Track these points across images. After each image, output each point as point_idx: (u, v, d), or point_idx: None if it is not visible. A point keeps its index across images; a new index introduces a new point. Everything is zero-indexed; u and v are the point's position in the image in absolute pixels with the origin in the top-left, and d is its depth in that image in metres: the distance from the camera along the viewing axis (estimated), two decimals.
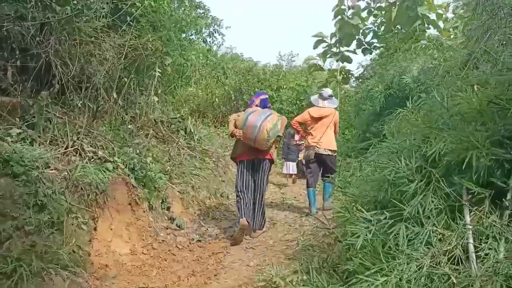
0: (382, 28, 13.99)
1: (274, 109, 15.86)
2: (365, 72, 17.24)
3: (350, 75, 14.35)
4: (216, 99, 15.21)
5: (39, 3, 5.69)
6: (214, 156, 7.34)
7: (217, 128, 18.01)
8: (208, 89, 16.35)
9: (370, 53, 14.50)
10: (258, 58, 18.76)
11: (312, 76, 17.43)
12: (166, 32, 8.20)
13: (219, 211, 5.63)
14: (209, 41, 13.35)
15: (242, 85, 16.96)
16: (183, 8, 10.10)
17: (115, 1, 7.21)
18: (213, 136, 10.17)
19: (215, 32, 14.00)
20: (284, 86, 16.41)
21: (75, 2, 6.20)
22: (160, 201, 4.84)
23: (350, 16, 12.26)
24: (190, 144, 7.37)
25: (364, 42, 14.10)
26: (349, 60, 13.00)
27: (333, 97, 6.17)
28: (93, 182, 4.05)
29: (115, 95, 7.03)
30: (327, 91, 6.17)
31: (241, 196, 4.73)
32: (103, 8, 6.89)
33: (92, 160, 4.59)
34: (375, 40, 14.22)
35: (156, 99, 7.97)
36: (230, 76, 15.38)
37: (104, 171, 4.42)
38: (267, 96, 5.38)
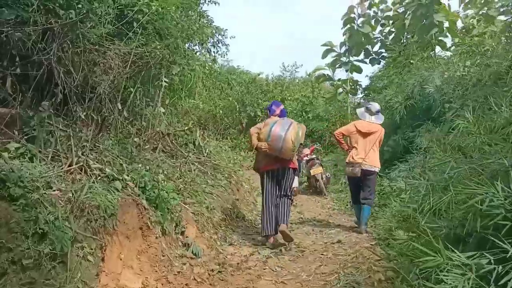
0: (391, 37, 13.65)
1: None
2: (372, 83, 16.90)
3: (358, 86, 13.93)
4: (220, 111, 14.72)
5: (42, 7, 5.23)
6: (226, 171, 6.83)
7: (219, 141, 17.53)
8: (211, 101, 15.90)
9: (378, 63, 14.13)
10: (255, 71, 18.38)
11: (318, 87, 17.06)
12: (174, 40, 7.73)
13: (237, 234, 5.10)
14: (213, 51, 12.90)
15: (245, 96, 16.53)
16: (189, 16, 9.67)
17: (121, 6, 6.77)
18: (225, 151, 9.62)
19: (219, 42, 13.57)
20: (289, 98, 16.00)
21: (80, 6, 5.75)
22: (174, 224, 4.31)
23: (360, 25, 11.87)
24: (199, 158, 6.86)
25: (372, 52, 13.73)
26: (359, 70, 12.60)
27: (380, 113, 5.78)
28: (102, 204, 3.53)
29: (119, 106, 6.55)
30: (375, 105, 5.81)
31: (267, 209, 4.88)
32: (109, 14, 6.45)
33: (99, 178, 4.07)
34: (383, 50, 13.87)
35: (162, 110, 7.48)
36: (234, 87, 14.94)
37: (113, 191, 3.90)
38: (282, 106, 5.47)
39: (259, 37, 48.89)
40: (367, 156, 5.53)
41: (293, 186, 8.65)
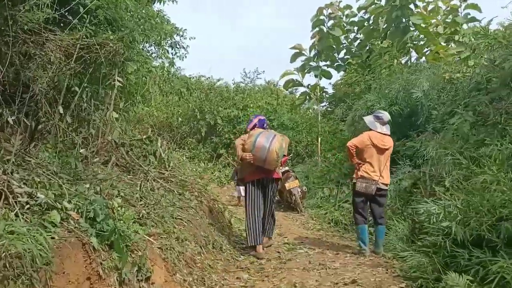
0: (356, 43, 13.10)
1: (241, 130, 14.43)
2: (334, 91, 16.32)
3: (324, 93, 13.22)
4: (179, 119, 13.47)
5: None
6: (195, 188, 5.68)
7: (176, 151, 16.20)
8: (168, 107, 14.63)
9: (344, 70, 13.51)
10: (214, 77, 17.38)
11: (283, 94, 16.25)
12: (129, 32, 6.53)
13: (217, 273, 3.98)
14: (172, 53, 11.67)
15: (204, 104, 15.38)
16: (145, 10, 8.48)
17: None
18: (183, 162, 8.45)
19: (177, 45, 12.36)
20: (251, 105, 15.03)
21: None
22: (136, 268, 3.13)
23: (331, 27, 11.16)
24: (163, 174, 5.67)
25: (338, 58, 13.10)
26: (329, 75, 11.88)
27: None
28: (27, 251, 2.33)
29: (61, 110, 5.32)
30: (386, 115, 5.08)
31: (251, 218, 4.95)
32: None
33: (26, 208, 2.85)
34: (349, 56, 13.28)
35: (115, 115, 6.24)
36: (194, 92, 13.75)
37: (47, 228, 2.71)
38: (264, 117, 5.58)
39: (211, 46, 47.61)
40: (382, 173, 4.84)
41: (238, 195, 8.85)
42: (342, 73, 14.78)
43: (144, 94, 12.43)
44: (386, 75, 8.54)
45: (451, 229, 3.35)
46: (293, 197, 8.15)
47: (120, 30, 6.45)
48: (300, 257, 4.59)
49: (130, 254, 3.18)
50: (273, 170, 5.02)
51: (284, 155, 5.19)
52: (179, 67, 15.29)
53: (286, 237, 5.91)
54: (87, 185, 3.72)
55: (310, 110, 15.44)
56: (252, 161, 4.89)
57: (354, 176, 4.90)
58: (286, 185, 8.04)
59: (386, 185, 4.84)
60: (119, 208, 3.39)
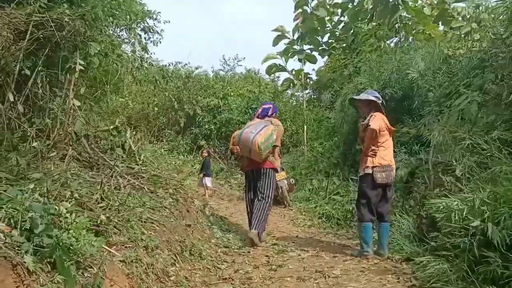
0: (341, 26, 12.48)
1: (222, 120, 13.70)
2: (317, 76, 15.72)
3: (308, 79, 12.59)
4: (155, 109, 12.65)
5: None
6: (170, 185, 4.98)
7: (154, 144, 15.36)
8: (144, 97, 13.77)
9: (329, 55, 12.90)
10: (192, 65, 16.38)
11: (265, 82, 15.55)
12: (91, 8, 5.74)
13: (195, 286, 3.30)
14: (145, 38, 10.81)
15: (182, 93, 14.57)
16: None
17: None
18: (161, 155, 7.71)
19: (151, 29, 11.49)
20: (232, 93, 14.30)
21: None
22: None
23: (314, 8, 10.49)
24: (132, 168, 4.94)
25: (322, 42, 12.45)
26: (314, 60, 11.23)
27: None
28: None
29: (11, 97, 4.61)
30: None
31: (249, 207, 5.19)
32: None
33: None
34: (333, 40, 12.67)
35: (77, 103, 5.46)
36: (171, 80, 12.91)
37: None
38: (270, 105, 5.45)
39: (188, 35, 45.79)
40: (392, 159, 4.30)
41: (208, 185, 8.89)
42: (326, 58, 14.23)
43: (117, 83, 11.61)
44: (376, 56, 7.93)
45: (479, 228, 2.75)
46: (280, 190, 7.52)
47: (79, 5, 5.65)
48: (293, 262, 3.94)
49: (82, 273, 2.49)
50: (264, 161, 4.94)
51: (276, 145, 5.00)
52: (153, 53, 14.36)
53: (274, 236, 5.26)
54: (31, 186, 3.01)
55: (294, 98, 14.80)
56: (240, 154, 4.99)
57: (368, 164, 4.19)
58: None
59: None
60: (67, 215, 2.67)
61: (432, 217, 3.91)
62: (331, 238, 5.09)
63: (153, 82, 11.52)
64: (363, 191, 4.24)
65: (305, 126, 10.78)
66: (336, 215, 6.27)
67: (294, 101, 14.67)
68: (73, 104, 5.36)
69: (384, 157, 4.15)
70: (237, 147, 4.94)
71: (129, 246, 3.15)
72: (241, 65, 19.98)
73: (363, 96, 4.46)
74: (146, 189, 4.40)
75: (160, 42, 11.37)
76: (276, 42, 10.67)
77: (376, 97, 4.32)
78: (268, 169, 5.00)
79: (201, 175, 9.17)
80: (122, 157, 5.13)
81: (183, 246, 3.87)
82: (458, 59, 6.44)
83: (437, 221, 3.67)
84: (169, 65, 14.87)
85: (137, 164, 5.19)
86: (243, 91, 13.90)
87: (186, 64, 15.07)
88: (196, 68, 15.85)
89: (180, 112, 14.52)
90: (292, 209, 7.42)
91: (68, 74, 5.50)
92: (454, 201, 3.22)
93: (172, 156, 14.11)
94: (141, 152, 5.53)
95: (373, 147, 4.18)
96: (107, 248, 2.97)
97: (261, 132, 4.76)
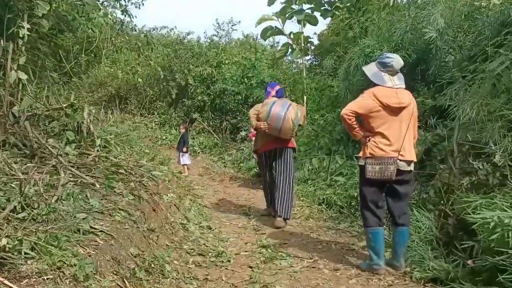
0: None
1: (216, 90, 12.68)
2: (319, 40, 14.50)
3: (309, 44, 11.43)
4: (140, 80, 11.59)
5: None
6: (136, 174, 4.07)
7: (145, 117, 14.40)
8: (128, 66, 12.68)
9: (331, 16, 11.66)
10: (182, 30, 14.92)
11: (262, 48, 14.39)
12: None
13: None
14: None
15: (173, 61, 13.47)
16: None
17: None
18: (139, 132, 6.77)
19: None
20: (226, 61, 13.19)
21: None
22: None
23: None
24: (87, 157, 4.01)
25: (324, 2, 11.20)
26: (315, 21, 10.05)
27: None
28: None
29: None
30: (398, 59, 3.36)
31: (265, 188, 5.27)
32: None
33: None
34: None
35: (24, 76, 4.50)
36: (157, 49, 11.80)
37: None
38: (279, 87, 5.31)
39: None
40: (403, 145, 3.19)
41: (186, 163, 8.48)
42: (328, 20, 12.99)
43: (96, 51, 10.53)
44: (386, 13, 6.82)
45: None
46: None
47: None
48: (283, 278, 3.05)
49: None
50: (288, 139, 4.89)
51: (300, 125, 4.90)
52: (135, 16, 13.09)
53: (264, 234, 4.38)
54: None
55: (294, 64, 13.67)
56: (266, 130, 4.76)
57: (361, 155, 3.30)
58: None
59: (410, 163, 3.23)
60: None
61: (462, 218, 3.00)
62: (332, 236, 4.18)
63: (136, 50, 10.46)
64: (359, 189, 3.39)
65: (305, 97, 9.74)
66: (339, 202, 5.37)
67: (294, 69, 13.55)
68: (16, 77, 4.40)
69: (379, 146, 3.17)
70: (265, 123, 4.71)
71: (48, 278, 2.26)
72: (236, 30, 18.68)
73: (366, 68, 3.47)
74: (98, 185, 3.48)
75: (143, 4, 10.18)
76: (271, 1, 9.48)
77: (381, 63, 3.32)
78: (290, 149, 4.97)
79: (181, 152, 8.51)
80: (75, 142, 4.19)
81: (139, 261, 2.98)
82: (485, 13, 5.35)
83: (468, 223, 2.76)
84: (153, 30, 13.66)
85: (95, 151, 4.26)
86: (238, 58, 12.78)
87: (173, 29, 13.83)
88: (188, 34, 14.69)
89: (172, 83, 13.48)
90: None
91: (9, 41, 4.53)
92: (498, 213, 2.26)
93: (164, 131, 13.22)
94: (102, 133, 4.57)
95: (365, 133, 3.25)
96: (8, 284, 2.09)
97: (290, 109, 4.68)
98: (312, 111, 9.61)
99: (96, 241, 2.77)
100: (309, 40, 11.62)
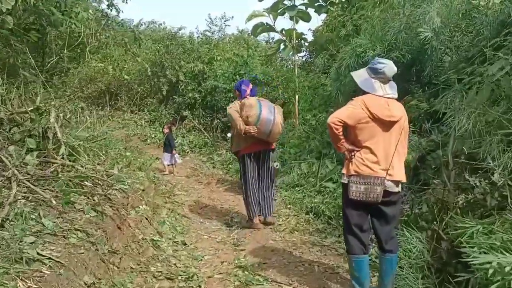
0: None
1: (207, 87, 12.30)
2: (314, 37, 14.11)
3: (303, 40, 11.05)
4: (126, 77, 11.19)
5: None
6: (103, 185, 3.73)
7: (135, 114, 14.01)
8: (115, 62, 12.29)
9: (326, 12, 11.28)
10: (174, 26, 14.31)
11: (254, 44, 14.00)
12: None
13: None
14: None
15: (163, 57, 13.08)
16: None
17: None
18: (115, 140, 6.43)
19: None
20: (218, 57, 12.81)
21: None
22: None
23: None
24: (49, 166, 3.67)
25: None
26: (308, 18, 9.69)
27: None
28: None
29: None
30: (390, 65, 2.98)
31: (250, 192, 4.92)
32: None
33: None
34: None
35: None
36: (145, 44, 11.40)
37: None
38: (251, 85, 5.15)
39: None
40: (392, 164, 2.85)
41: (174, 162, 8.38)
42: (324, 16, 12.61)
43: (82, 47, 10.12)
44: (380, 11, 6.47)
45: None
46: None
47: None
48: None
49: None
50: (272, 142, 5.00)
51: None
52: (121, 11, 12.67)
53: (244, 250, 4.05)
54: None
55: (289, 62, 13.29)
56: (255, 135, 4.72)
57: (344, 171, 2.97)
58: None
59: (399, 183, 2.91)
60: None
61: (457, 245, 2.69)
62: (316, 255, 3.86)
63: (122, 45, 10.07)
64: (342, 211, 3.07)
65: (297, 96, 9.39)
66: (327, 211, 5.06)
67: (288, 66, 13.18)
68: None
69: (365, 162, 2.84)
70: (254, 127, 4.67)
71: None
72: (229, 25, 18.21)
73: (355, 74, 3.13)
74: (54, 201, 3.14)
75: None
76: None
77: (372, 68, 2.98)
78: (273, 150, 5.04)
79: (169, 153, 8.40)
80: (39, 149, 3.85)
81: None
82: (484, 12, 5.02)
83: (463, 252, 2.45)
84: (140, 25, 13.24)
85: (63, 159, 3.92)
86: (230, 54, 12.40)
87: (161, 24, 13.42)
88: (180, 29, 14.29)
89: (163, 79, 13.11)
90: (275, 199, 6.21)
91: None
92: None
93: (153, 128, 12.86)
94: (72, 140, 4.23)
95: (350, 147, 2.92)
96: None
97: (276, 112, 4.79)
98: (304, 110, 9.29)
99: (41, 272, 2.44)
100: (303, 37, 11.25)
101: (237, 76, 11.74)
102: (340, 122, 2.86)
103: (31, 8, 6.06)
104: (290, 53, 9.91)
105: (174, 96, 13.03)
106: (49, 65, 8.01)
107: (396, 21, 5.61)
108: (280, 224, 4.83)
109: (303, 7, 9.83)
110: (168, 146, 8.40)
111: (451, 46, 5.63)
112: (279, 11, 9.17)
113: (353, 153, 2.91)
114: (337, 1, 10.83)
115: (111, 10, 9.29)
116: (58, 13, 6.61)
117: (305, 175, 6.54)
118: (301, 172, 6.60)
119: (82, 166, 3.94)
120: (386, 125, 2.85)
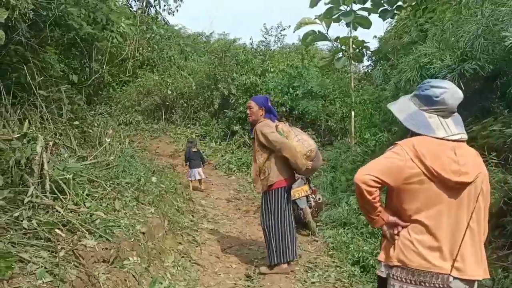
0: None
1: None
2: (382, 46, 12.82)
3: (364, 49, 9.88)
4: (170, 92, 10.76)
5: None
6: (76, 235, 3.01)
7: (188, 127, 13.62)
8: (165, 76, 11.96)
9: (392, 17, 10.02)
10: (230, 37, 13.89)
11: (310, 54, 13.01)
12: None
13: None
14: (155, 5, 8.83)
15: (216, 69, 12.56)
16: None
17: None
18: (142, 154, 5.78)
19: None
20: (272, 69, 12.02)
21: None
22: None
23: None
24: (41, 202, 3.03)
25: (382, 1, 9.61)
26: (368, 24, 8.55)
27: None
28: None
29: None
30: (454, 90, 1.93)
31: (286, 230, 4.13)
32: None
33: None
34: None
35: None
36: (192, 57, 10.91)
37: None
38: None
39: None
40: (461, 252, 1.80)
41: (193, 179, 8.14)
42: (390, 22, 11.35)
43: (125, 61, 9.83)
44: (452, 12, 5.24)
45: None
46: (301, 212, 5.32)
47: None
48: None
49: None
50: None
51: None
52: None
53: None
54: None
55: (347, 73, 12.16)
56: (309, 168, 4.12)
57: (381, 258, 1.98)
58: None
59: (474, 283, 1.83)
60: None
61: None
62: None
63: (169, 61, 9.62)
64: None
65: (353, 112, 8.26)
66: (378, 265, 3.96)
67: (347, 78, 12.05)
68: None
69: (417, 248, 1.82)
70: (310, 163, 4.10)
71: None
72: (286, 35, 17.41)
73: (394, 107, 2.10)
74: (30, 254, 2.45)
75: (177, 10, 9.34)
76: (314, 2, 8.13)
77: (423, 96, 1.94)
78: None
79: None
80: (12, 187, 3.23)
81: None
82: None
83: None
84: (187, 37, 12.84)
85: (46, 197, 3.28)
86: (283, 66, 11.55)
87: (208, 36, 12.94)
88: (234, 41, 13.72)
89: (216, 92, 12.61)
90: (317, 240, 5.20)
91: None
92: None
93: (204, 143, 12.35)
94: (60, 173, 3.58)
95: (394, 220, 1.89)
96: None
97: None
98: (362, 129, 8.12)
99: None
100: (365, 45, 10.08)
101: (290, 89, 10.85)
102: (376, 181, 1.85)
103: (50, 19, 5.63)
104: (346, 64, 8.81)
105: (225, 110, 12.44)
106: (90, 81, 7.65)
107: (472, 24, 4.39)
108: (313, 282, 3.81)
109: (364, 13, 8.72)
110: (198, 160, 8.31)
111: None
112: (333, 17, 8.13)
113: (396, 231, 1.89)
114: (405, 4, 9.57)
115: (155, 23, 8.87)
116: (88, 27, 6.19)
117: (356, 210, 5.45)
118: (350, 208, 5.51)
119: (62, 207, 3.25)
120: (453, 187, 1.80)
